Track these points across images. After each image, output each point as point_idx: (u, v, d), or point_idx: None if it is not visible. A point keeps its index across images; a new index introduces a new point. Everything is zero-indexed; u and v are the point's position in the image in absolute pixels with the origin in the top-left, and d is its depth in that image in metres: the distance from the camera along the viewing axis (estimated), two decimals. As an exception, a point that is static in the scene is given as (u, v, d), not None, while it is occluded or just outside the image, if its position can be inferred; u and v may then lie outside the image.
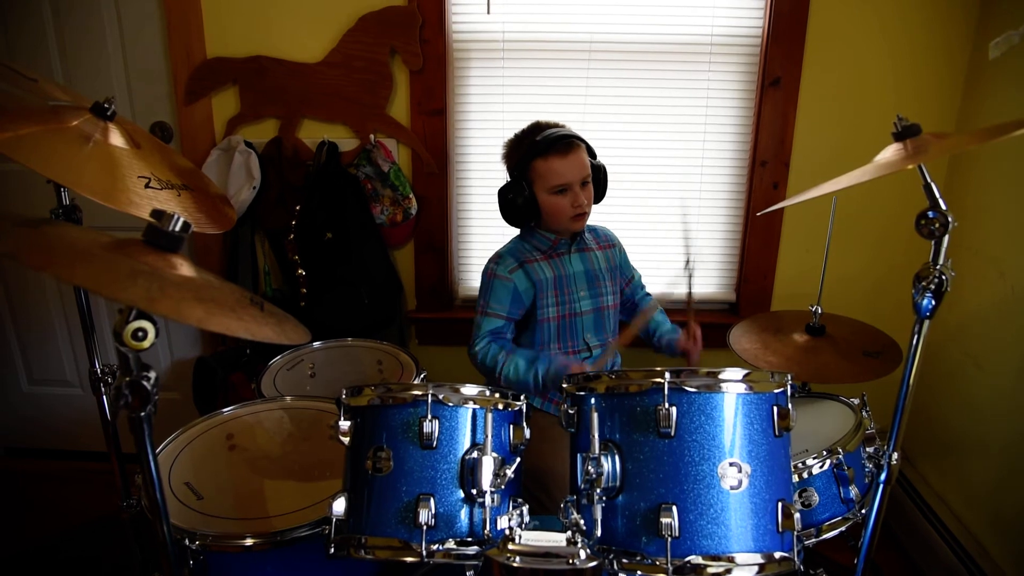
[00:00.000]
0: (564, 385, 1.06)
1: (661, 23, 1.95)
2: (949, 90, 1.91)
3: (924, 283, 1.00)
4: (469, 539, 0.99)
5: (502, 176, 1.63)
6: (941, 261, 1.00)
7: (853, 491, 1.22)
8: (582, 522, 0.94)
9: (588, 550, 0.93)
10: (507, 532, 0.96)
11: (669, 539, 0.88)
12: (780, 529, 0.92)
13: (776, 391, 0.96)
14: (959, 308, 1.86)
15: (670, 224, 2.12)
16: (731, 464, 0.91)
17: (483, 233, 2.17)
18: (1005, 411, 1.69)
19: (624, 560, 0.92)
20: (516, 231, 1.69)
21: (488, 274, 1.62)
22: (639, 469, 0.93)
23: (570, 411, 1.04)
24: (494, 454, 1.00)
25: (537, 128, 1.56)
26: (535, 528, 0.97)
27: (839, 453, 1.22)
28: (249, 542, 1.08)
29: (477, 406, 1.04)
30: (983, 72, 1.83)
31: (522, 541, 0.93)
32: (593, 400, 1.00)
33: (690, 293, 1.60)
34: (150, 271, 0.78)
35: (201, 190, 1.20)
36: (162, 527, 0.92)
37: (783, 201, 1.25)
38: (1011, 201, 1.71)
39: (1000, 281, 1.72)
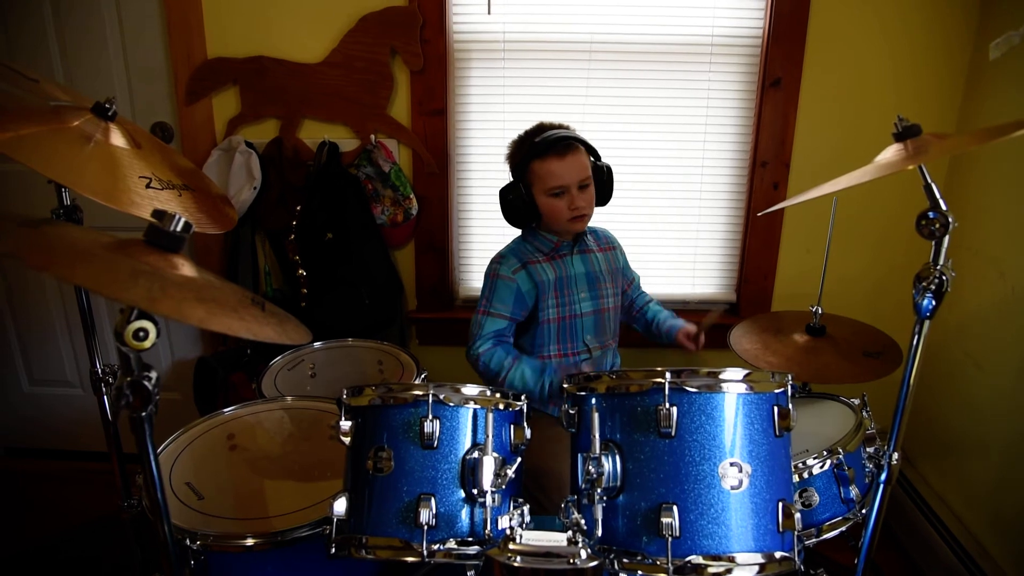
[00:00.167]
0: (565, 385, 1.06)
1: (662, 23, 1.95)
2: (949, 91, 1.92)
3: (924, 283, 1.00)
4: (470, 539, 0.99)
5: (503, 176, 1.63)
6: (941, 261, 1.00)
7: (853, 491, 1.22)
8: (583, 522, 0.94)
9: (589, 550, 0.93)
10: (508, 532, 0.96)
11: (670, 539, 0.89)
12: (781, 529, 0.92)
13: (777, 391, 0.97)
14: (959, 308, 1.86)
15: (670, 224, 2.12)
16: (732, 464, 0.92)
17: (484, 233, 2.17)
18: (1005, 411, 1.69)
19: (625, 560, 0.93)
20: (518, 231, 1.69)
21: (491, 274, 1.62)
22: (640, 469, 0.93)
23: (571, 411, 1.04)
24: (495, 454, 1.00)
25: (540, 129, 1.56)
26: (532, 529, 0.98)
27: (839, 453, 1.22)
28: (250, 542, 1.08)
29: (478, 406, 1.04)
30: (983, 73, 1.83)
31: (523, 541, 0.94)
32: (594, 400, 1.00)
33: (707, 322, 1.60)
34: (151, 271, 0.78)
35: (202, 190, 1.20)
36: (163, 527, 0.92)
37: (783, 201, 1.25)
38: (1011, 201, 1.71)
39: (1000, 281, 1.72)
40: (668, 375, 0.92)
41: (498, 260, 1.63)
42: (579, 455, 1.00)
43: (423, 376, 1.66)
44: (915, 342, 1.06)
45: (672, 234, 2.14)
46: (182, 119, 2.05)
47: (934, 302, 1.00)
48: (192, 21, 1.98)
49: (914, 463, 2.06)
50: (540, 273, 1.60)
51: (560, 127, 1.56)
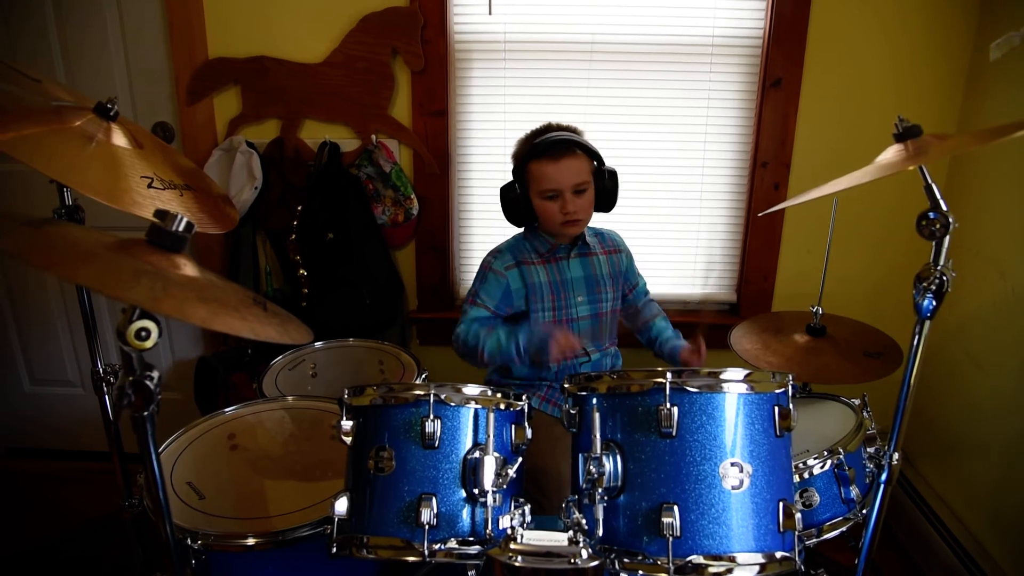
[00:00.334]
0: (566, 385, 1.06)
1: (662, 24, 1.95)
2: (950, 91, 1.92)
3: (925, 284, 1.00)
4: (471, 539, 0.99)
5: (503, 177, 1.63)
6: (942, 262, 1.00)
7: (854, 491, 1.22)
8: (584, 522, 0.94)
9: (590, 550, 0.93)
10: (509, 531, 0.96)
11: (670, 539, 0.89)
12: (781, 529, 0.92)
13: (777, 391, 0.97)
14: (959, 309, 1.86)
15: (670, 224, 2.12)
16: (732, 464, 0.92)
17: (484, 233, 2.17)
18: (1005, 411, 1.69)
19: (626, 560, 0.93)
20: (519, 229, 1.69)
21: (484, 266, 1.63)
22: (641, 469, 0.94)
23: (572, 411, 1.05)
24: (496, 454, 1.00)
25: (544, 130, 1.56)
26: (533, 528, 0.98)
27: (840, 453, 1.22)
28: (251, 542, 1.08)
29: (479, 406, 1.04)
30: (984, 73, 1.83)
31: (524, 541, 0.93)
32: (595, 400, 1.00)
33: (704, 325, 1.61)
34: (154, 271, 0.78)
35: (203, 190, 1.20)
36: (165, 527, 0.92)
37: (784, 202, 1.25)
38: (1011, 202, 1.71)
39: (1000, 282, 1.72)
40: (669, 375, 0.92)
41: (493, 254, 1.64)
42: (580, 455, 1.00)
43: (424, 376, 1.66)
44: (915, 342, 1.06)
45: (672, 234, 2.14)
46: (183, 119, 2.05)
47: (934, 302, 1.01)
48: (193, 21, 1.98)
49: (914, 463, 2.06)
50: (533, 275, 1.60)
51: (567, 129, 1.56)
